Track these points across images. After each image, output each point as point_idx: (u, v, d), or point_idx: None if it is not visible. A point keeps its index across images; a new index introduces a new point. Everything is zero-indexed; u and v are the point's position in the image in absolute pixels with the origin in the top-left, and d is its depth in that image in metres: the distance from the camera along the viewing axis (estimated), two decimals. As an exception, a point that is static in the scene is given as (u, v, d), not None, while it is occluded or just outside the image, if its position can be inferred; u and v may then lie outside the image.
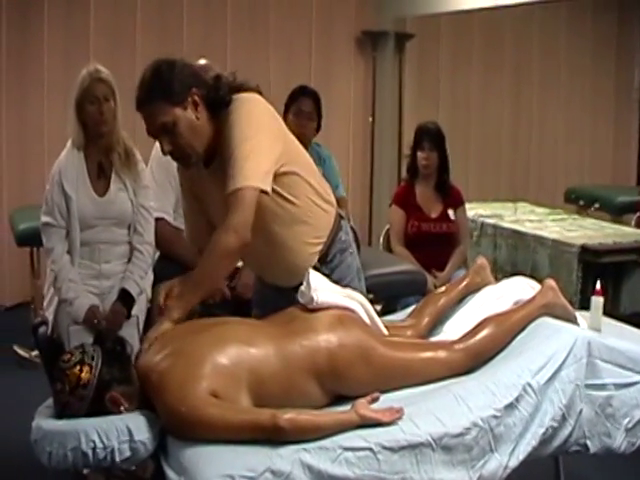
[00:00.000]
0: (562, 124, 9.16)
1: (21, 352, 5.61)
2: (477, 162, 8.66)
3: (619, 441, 2.93)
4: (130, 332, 3.84)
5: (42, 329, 3.92)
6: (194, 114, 3.01)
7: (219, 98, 3.06)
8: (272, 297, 3.34)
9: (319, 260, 3.27)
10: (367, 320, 3.02)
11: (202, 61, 4.46)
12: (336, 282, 3.16)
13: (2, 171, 6.90)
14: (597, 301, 3.24)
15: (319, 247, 3.26)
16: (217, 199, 3.08)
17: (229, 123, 3.02)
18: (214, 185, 3.10)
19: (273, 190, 3.03)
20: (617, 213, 7.23)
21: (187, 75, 3.05)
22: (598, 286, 3.28)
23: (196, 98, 3.02)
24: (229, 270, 3.20)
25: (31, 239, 5.08)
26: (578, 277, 5.17)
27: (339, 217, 3.36)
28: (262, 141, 3.01)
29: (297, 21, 7.95)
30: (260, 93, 3.18)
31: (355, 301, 3.03)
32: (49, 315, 3.95)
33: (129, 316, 3.92)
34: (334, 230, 3.31)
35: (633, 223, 6.89)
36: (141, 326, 3.98)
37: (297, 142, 3.29)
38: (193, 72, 3.10)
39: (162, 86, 2.98)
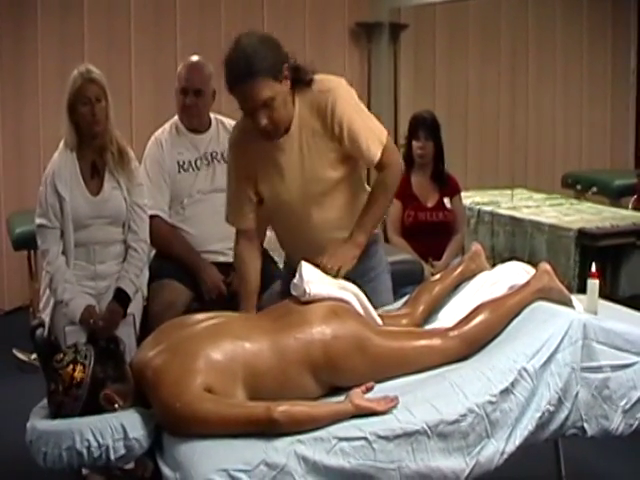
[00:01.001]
0: (559, 110, 9.14)
1: (20, 356, 5.60)
2: (474, 150, 8.65)
3: (616, 423, 2.91)
4: (126, 331, 3.84)
5: (39, 331, 3.92)
6: (286, 88, 3.15)
7: (302, 76, 3.23)
8: None
9: None
10: (361, 311, 3.01)
11: (194, 58, 4.45)
12: (369, 270, 3.42)
13: (-1, 175, 6.90)
14: (593, 284, 3.24)
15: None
16: (282, 167, 3.27)
17: (327, 102, 3.20)
18: (284, 155, 3.26)
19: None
20: (615, 196, 7.21)
21: (280, 50, 3.16)
22: (594, 268, 3.26)
23: (286, 73, 3.13)
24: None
25: (28, 243, 5.07)
26: (576, 261, 5.16)
27: None
28: (365, 110, 3.35)
29: (291, 14, 7.93)
30: None
31: (349, 292, 3.02)
32: (45, 317, 3.95)
33: (125, 315, 3.92)
34: None
35: (630, 206, 6.87)
36: (137, 324, 3.97)
37: None
38: (280, 46, 3.19)
39: (264, 61, 3.06)
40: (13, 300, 6.87)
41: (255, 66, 3.04)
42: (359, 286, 3.26)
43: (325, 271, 3.10)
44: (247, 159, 3.36)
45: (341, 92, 3.26)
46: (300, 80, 3.23)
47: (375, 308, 3.15)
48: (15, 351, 5.65)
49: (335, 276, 3.12)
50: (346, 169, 3.32)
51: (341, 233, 3.32)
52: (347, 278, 3.22)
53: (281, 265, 4.41)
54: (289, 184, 3.30)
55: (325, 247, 3.26)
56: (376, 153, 3.26)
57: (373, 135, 3.27)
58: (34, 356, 5.28)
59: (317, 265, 3.10)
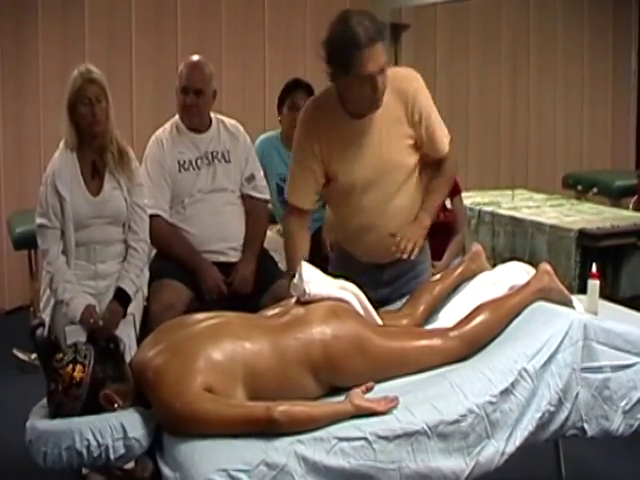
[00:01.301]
0: (560, 110, 9.14)
1: (21, 355, 5.60)
2: (476, 151, 8.64)
3: (617, 423, 2.92)
4: (127, 330, 3.84)
5: (39, 331, 3.91)
6: None
7: None
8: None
9: None
10: (361, 310, 3.01)
11: (195, 57, 4.45)
12: (418, 264, 3.58)
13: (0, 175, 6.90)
14: (593, 284, 3.24)
15: None
16: (361, 148, 3.36)
17: (412, 90, 3.37)
18: (364, 137, 3.35)
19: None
20: (616, 197, 7.20)
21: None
22: (594, 269, 3.27)
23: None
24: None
25: (29, 242, 5.07)
26: (576, 262, 5.14)
27: None
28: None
29: (292, 15, 7.92)
30: None
31: (348, 292, 3.03)
32: (46, 317, 3.94)
33: (125, 314, 3.91)
34: None
35: (631, 206, 6.86)
36: (137, 324, 3.97)
37: None
38: None
39: (381, 30, 3.19)
40: (14, 300, 6.87)
41: (379, 30, 3.17)
42: (407, 282, 3.51)
43: (402, 252, 3.25)
44: (322, 137, 3.38)
45: (422, 84, 3.43)
46: None
47: None
48: (15, 351, 5.65)
49: (409, 257, 3.28)
50: (416, 158, 3.46)
51: (407, 219, 3.45)
52: (396, 274, 3.51)
53: (281, 265, 4.42)
54: (366, 166, 3.37)
55: (388, 231, 3.37)
56: (446, 145, 3.49)
57: (443, 129, 3.49)
58: (34, 356, 5.28)
59: (396, 247, 3.26)
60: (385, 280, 3.61)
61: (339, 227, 3.67)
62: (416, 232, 3.37)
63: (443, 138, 3.48)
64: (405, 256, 3.28)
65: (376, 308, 3.14)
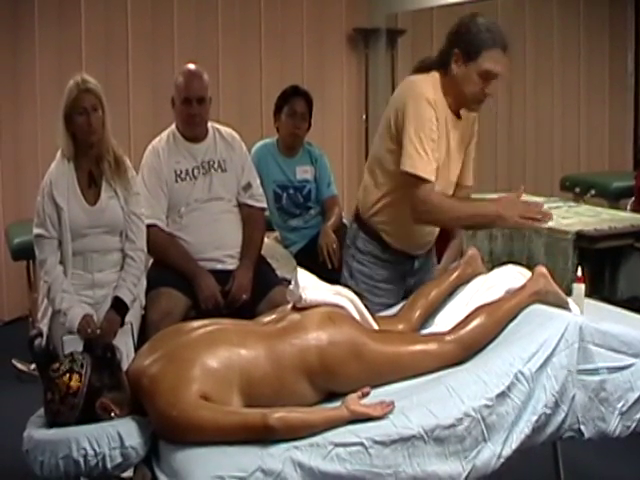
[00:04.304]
0: (557, 113, 9.13)
1: (20, 366, 5.60)
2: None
3: (614, 425, 2.91)
4: (124, 339, 3.84)
5: (37, 341, 3.92)
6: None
7: None
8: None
9: None
10: (357, 316, 3.01)
11: (192, 66, 4.46)
12: (435, 265, 3.92)
13: (-3, 186, 6.91)
14: (579, 288, 3.23)
15: None
16: (450, 145, 3.58)
17: (474, 116, 3.75)
18: (455, 136, 3.60)
19: None
20: (613, 199, 7.18)
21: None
22: (579, 273, 3.27)
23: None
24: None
25: (27, 253, 5.07)
26: (574, 264, 5.12)
27: None
28: None
29: (288, 20, 7.95)
30: None
31: (344, 297, 3.03)
32: (44, 326, 3.95)
33: (123, 323, 3.92)
34: None
35: (629, 208, 6.85)
36: (135, 333, 3.97)
37: None
38: None
39: None
40: (12, 311, 6.87)
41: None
42: (428, 269, 3.79)
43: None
44: (439, 125, 3.47)
45: None
46: None
47: None
48: (14, 361, 5.65)
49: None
50: None
51: None
52: (424, 263, 3.76)
53: (278, 272, 4.42)
54: (449, 162, 3.59)
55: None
56: (471, 178, 3.95)
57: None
58: (33, 366, 5.28)
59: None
60: (415, 269, 3.77)
61: (394, 214, 3.63)
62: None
63: (471, 171, 3.85)
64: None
65: (372, 313, 3.15)
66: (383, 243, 3.67)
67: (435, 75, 3.50)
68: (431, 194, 3.39)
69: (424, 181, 3.36)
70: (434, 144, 3.39)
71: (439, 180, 3.45)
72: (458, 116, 3.57)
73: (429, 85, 3.46)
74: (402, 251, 3.69)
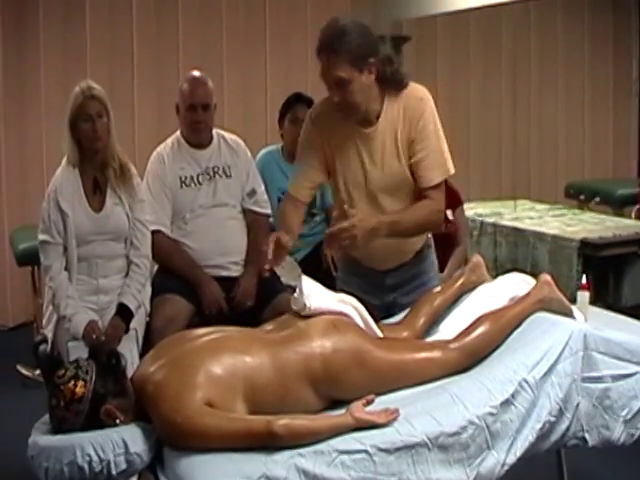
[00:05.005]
0: (561, 120, 9.14)
1: (24, 371, 5.61)
2: (478, 162, 8.64)
3: (618, 433, 2.92)
4: (129, 346, 3.85)
5: (42, 347, 3.93)
6: (367, 81, 3.25)
7: (395, 78, 3.35)
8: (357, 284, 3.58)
9: None
10: (361, 323, 3.01)
11: (196, 73, 4.47)
12: (422, 273, 3.63)
13: (2, 191, 6.90)
14: (583, 296, 3.24)
15: (425, 235, 3.63)
16: (363, 155, 3.38)
17: (420, 111, 3.35)
18: (368, 145, 3.38)
19: None
20: (618, 206, 7.19)
21: (370, 44, 3.26)
22: (584, 281, 3.27)
23: (372, 69, 3.25)
24: (416, 235, 3.54)
25: (32, 258, 5.08)
26: (578, 271, 5.13)
27: None
28: (444, 138, 3.44)
29: (293, 27, 7.95)
30: None
31: (349, 305, 3.03)
32: (49, 332, 3.96)
33: (127, 330, 3.92)
34: None
35: (633, 215, 6.86)
36: (140, 340, 3.98)
37: None
38: (375, 42, 3.30)
39: (348, 45, 3.17)
40: (17, 316, 6.88)
41: (337, 44, 3.17)
42: (412, 289, 3.54)
43: (332, 239, 3.17)
44: (328, 135, 3.42)
45: (432, 105, 3.40)
46: (393, 81, 3.35)
47: None
48: (19, 367, 5.65)
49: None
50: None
51: None
52: (400, 280, 3.54)
53: (283, 279, 4.43)
54: (366, 172, 3.40)
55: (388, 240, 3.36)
56: (435, 177, 3.38)
57: (439, 159, 3.39)
58: (38, 372, 5.29)
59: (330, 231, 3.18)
60: (388, 285, 3.62)
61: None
62: (363, 232, 3.15)
63: (434, 169, 3.37)
64: (329, 242, 3.23)
65: (376, 320, 3.15)
66: (347, 253, 3.67)
67: None
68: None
69: None
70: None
71: (360, 174, 3.42)
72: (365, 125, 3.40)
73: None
74: (369, 265, 3.61)
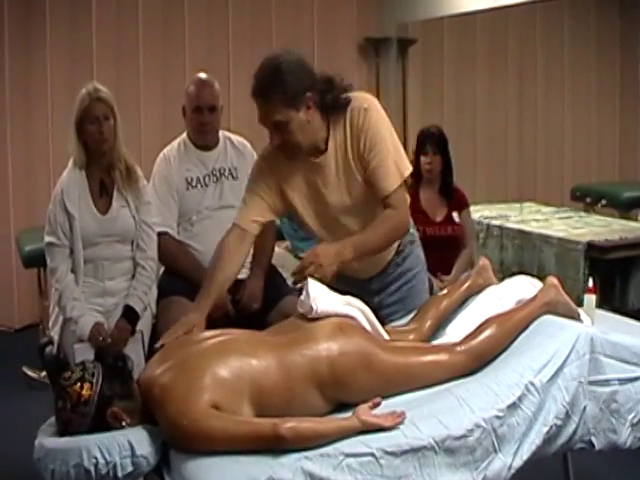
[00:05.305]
0: (567, 122, 9.14)
1: (30, 373, 5.62)
2: (484, 164, 8.65)
3: (625, 436, 2.91)
4: (135, 348, 3.85)
5: (48, 349, 3.93)
6: (306, 117, 3.18)
7: (337, 102, 3.26)
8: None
9: None
10: (367, 326, 3.01)
11: (202, 75, 4.47)
12: (406, 271, 3.55)
13: (8, 193, 6.92)
14: (590, 299, 3.24)
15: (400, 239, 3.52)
16: (318, 185, 3.33)
17: (364, 121, 3.24)
18: (320, 174, 3.32)
19: None
20: (624, 209, 7.18)
21: (305, 79, 3.18)
22: (590, 284, 3.27)
23: (310, 103, 3.18)
24: (386, 248, 3.45)
25: (38, 260, 5.06)
26: (585, 274, 5.12)
27: None
28: (396, 138, 3.35)
29: (300, 30, 7.96)
30: None
31: (355, 308, 3.02)
32: (55, 334, 3.96)
33: (134, 332, 3.93)
34: None
35: (639, 218, 6.86)
36: (146, 342, 3.98)
37: None
38: (310, 74, 3.24)
39: (281, 87, 3.10)
40: (23, 318, 6.89)
41: (271, 90, 3.10)
42: (397, 289, 3.51)
43: (300, 272, 3.11)
44: (280, 173, 3.37)
45: (377, 110, 3.30)
46: (335, 106, 3.27)
47: (415, 309, 3.31)
48: (25, 369, 5.67)
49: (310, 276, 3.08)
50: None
51: None
52: (385, 283, 3.52)
53: (289, 282, 4.41)
54: (325, 199, 3.36)
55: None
56: (391, 185, 3.27)
57: (390, 167, 3.28)
58: (44, 374, 5.29)
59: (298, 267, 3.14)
60: (374, 289, 3.61)
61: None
62: (326, 258, 3.13)
63: (388, 176, 3.27)
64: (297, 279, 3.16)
65: (382, 323, 3.15)
66: None
67: None
68: None
69: None
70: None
71: (320, 204, 3.38)
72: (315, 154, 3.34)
73: None
74: (350, 275, 3.52)
